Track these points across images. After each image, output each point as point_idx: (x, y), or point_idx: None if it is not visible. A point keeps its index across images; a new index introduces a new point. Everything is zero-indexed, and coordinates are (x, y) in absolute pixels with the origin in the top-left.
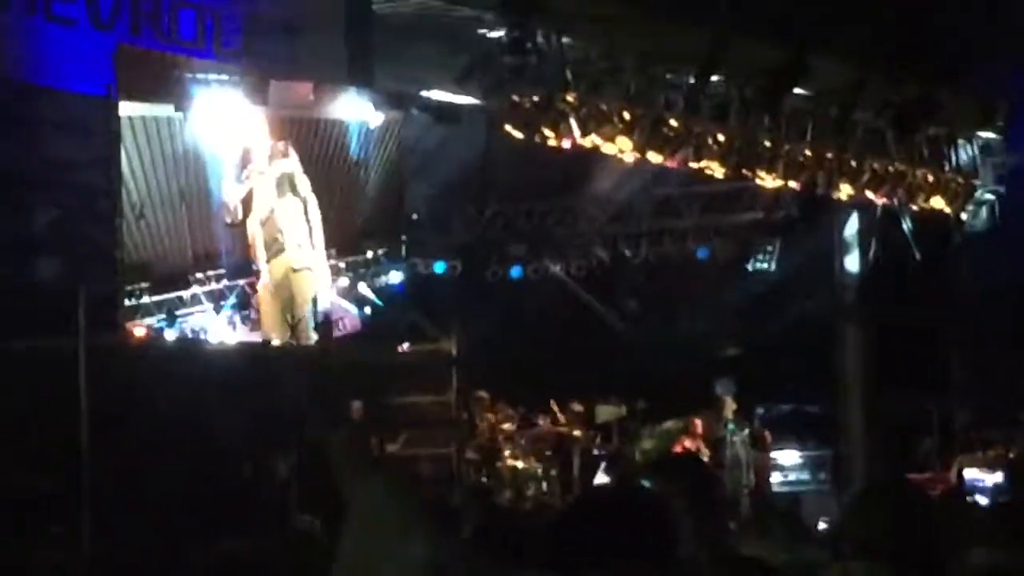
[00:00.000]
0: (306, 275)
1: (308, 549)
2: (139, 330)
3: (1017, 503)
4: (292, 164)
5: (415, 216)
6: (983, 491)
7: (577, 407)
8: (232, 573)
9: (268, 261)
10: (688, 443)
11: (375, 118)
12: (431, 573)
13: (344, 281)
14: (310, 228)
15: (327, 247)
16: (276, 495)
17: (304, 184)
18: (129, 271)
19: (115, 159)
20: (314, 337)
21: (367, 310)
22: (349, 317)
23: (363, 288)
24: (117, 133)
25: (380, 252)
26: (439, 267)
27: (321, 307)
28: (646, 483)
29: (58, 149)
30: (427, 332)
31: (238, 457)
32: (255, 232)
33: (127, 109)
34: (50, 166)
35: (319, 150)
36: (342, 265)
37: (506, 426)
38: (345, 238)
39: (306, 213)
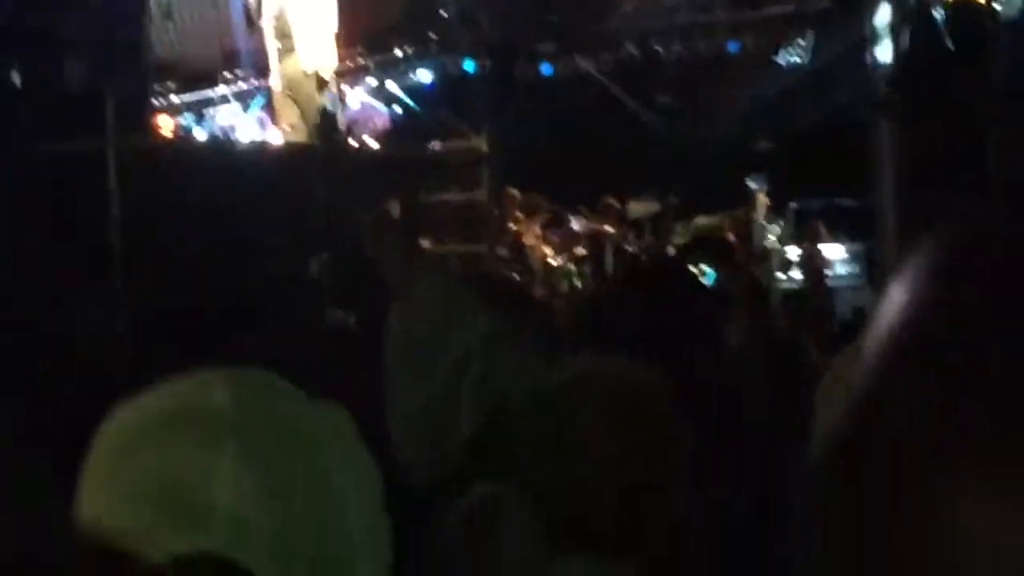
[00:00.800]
0: (322, 77)
1: (344, 344)
2: (166, 127)
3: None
4: None
5: (443, 14)
6: None
7: (612, 203)
8: (268, 368)
9: (280, 61)
10: (731, 236)
11: None
12: (492, 346)
13: (373, 80)
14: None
15: (354, 45)
16: (309, 293)
17: None
18: (157, 70)
19: None
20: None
21: (397, 108)
22: (379, 115)
23: (392, 86)
24: None
25: (409, 50)
26: (468, 65)
27: (350, 106)
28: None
29: None
30: (458, 130)
31: (270, 256)
32: (267, 28)
33: None
34: None
35: None
36: (370, 64)
37: (538, 223)
38: (373, 36)
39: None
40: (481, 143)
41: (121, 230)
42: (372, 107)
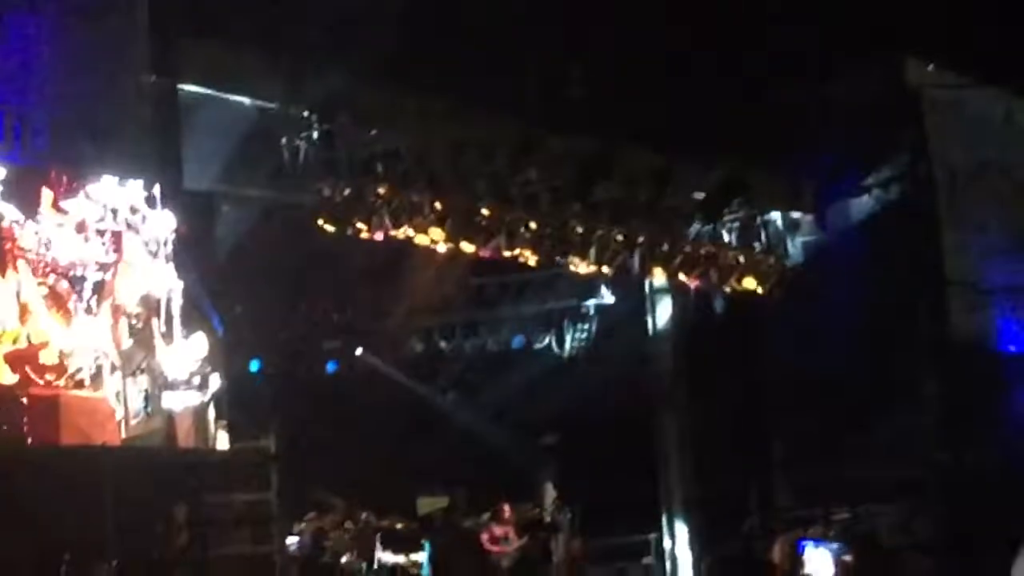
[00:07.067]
0: None
1: None
2: None
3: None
4: None
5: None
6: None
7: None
8: None
9: None
10: (497, 530)
11: None
12: None
13: None
14: None
15: None
16: None
17: None
18: None
19: None
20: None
21: None
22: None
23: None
24: None
25: None
26: (254, 365)
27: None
28: None
29: None
30: (245, 430)
31: (58, 560)
32: None
33: None
34: None
35: None
36: None
37: (328, 520)
38: None
39: None
40: (269, 443)
41: None
42: None
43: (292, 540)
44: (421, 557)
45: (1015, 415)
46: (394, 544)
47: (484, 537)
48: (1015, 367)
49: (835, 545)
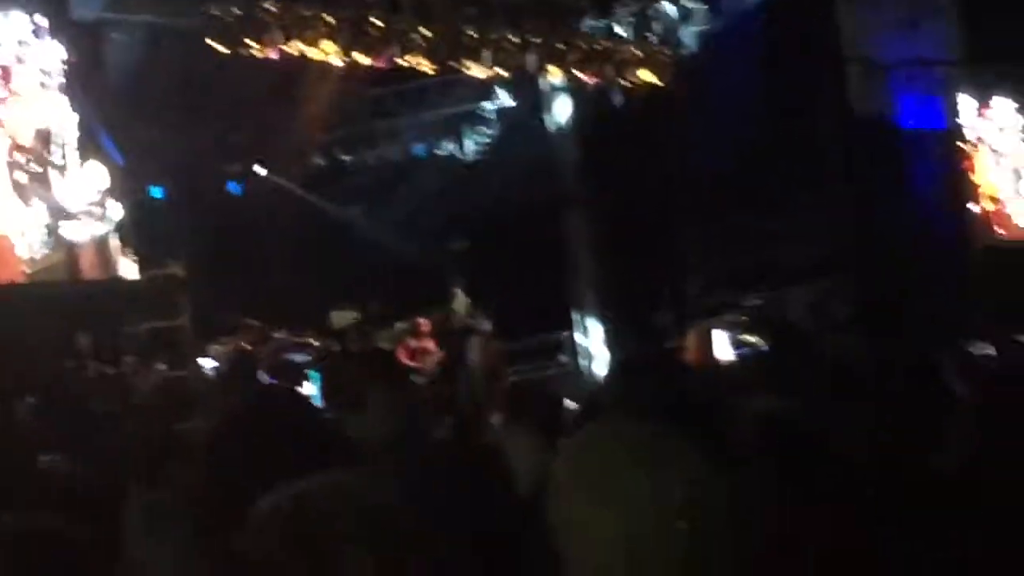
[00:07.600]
0: None
1: (56, 488)
2: None
3: (777, 355)
4: None
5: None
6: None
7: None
8: None
9: None
10: (413, 343)
11: None
12: None
13: None
14: None
15: None
16: (16, 436)
17: None
18: None
19: None
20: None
21: None
22: None
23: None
24: None
25: None
26: (156, 192)
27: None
28: None
29: None
30: (153, 258)
31: None
32: None
33: None
34: None
35: None
36: None
37: (243, 342)
38: None
39: None
40: (178, 269)
41: None
42: None
43: (209, 363)
44: (311, 389)
45: (918, 189)
46: (282, 376)
47: (401, 353)
48: (916, 141)
49: (732, 330)
